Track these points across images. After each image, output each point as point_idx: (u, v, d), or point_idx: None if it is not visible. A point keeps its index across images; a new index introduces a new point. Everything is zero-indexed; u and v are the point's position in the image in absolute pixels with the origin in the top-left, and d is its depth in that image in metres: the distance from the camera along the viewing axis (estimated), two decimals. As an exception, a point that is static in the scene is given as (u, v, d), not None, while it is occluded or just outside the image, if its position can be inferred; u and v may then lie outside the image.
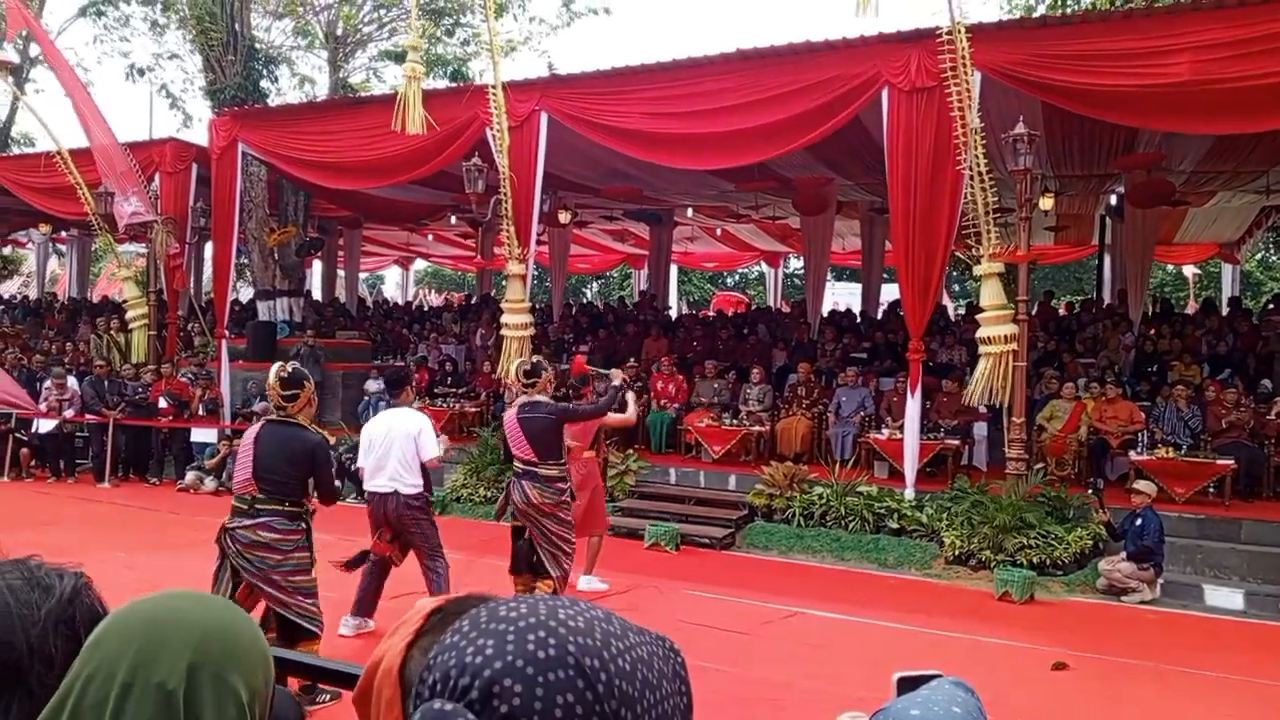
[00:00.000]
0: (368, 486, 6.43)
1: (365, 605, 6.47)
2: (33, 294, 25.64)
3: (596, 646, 0.72)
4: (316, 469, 5.12)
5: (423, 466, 6.36)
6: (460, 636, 0.74)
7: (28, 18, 15.57)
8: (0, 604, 0.99)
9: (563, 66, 21.39)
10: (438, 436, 6.59)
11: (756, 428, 11.82)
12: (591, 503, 7.62)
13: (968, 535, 8.97)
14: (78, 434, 13.49)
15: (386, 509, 6.31)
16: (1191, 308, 22.81)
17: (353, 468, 7.12)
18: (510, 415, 6.76)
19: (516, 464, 6.65)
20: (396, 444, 6.31)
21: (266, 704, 0.93)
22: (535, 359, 7.15)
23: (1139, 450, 9.87)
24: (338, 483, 5.54)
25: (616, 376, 7.42)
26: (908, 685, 1.18)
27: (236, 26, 16.26)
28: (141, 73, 21.15)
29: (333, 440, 5.56)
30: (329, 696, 5.00)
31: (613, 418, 7.96)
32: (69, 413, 13.09)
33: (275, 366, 5.24)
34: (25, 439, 13.17)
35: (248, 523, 5.00)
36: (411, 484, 6.29)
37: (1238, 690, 6.12)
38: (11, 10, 15.26)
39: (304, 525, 5.12)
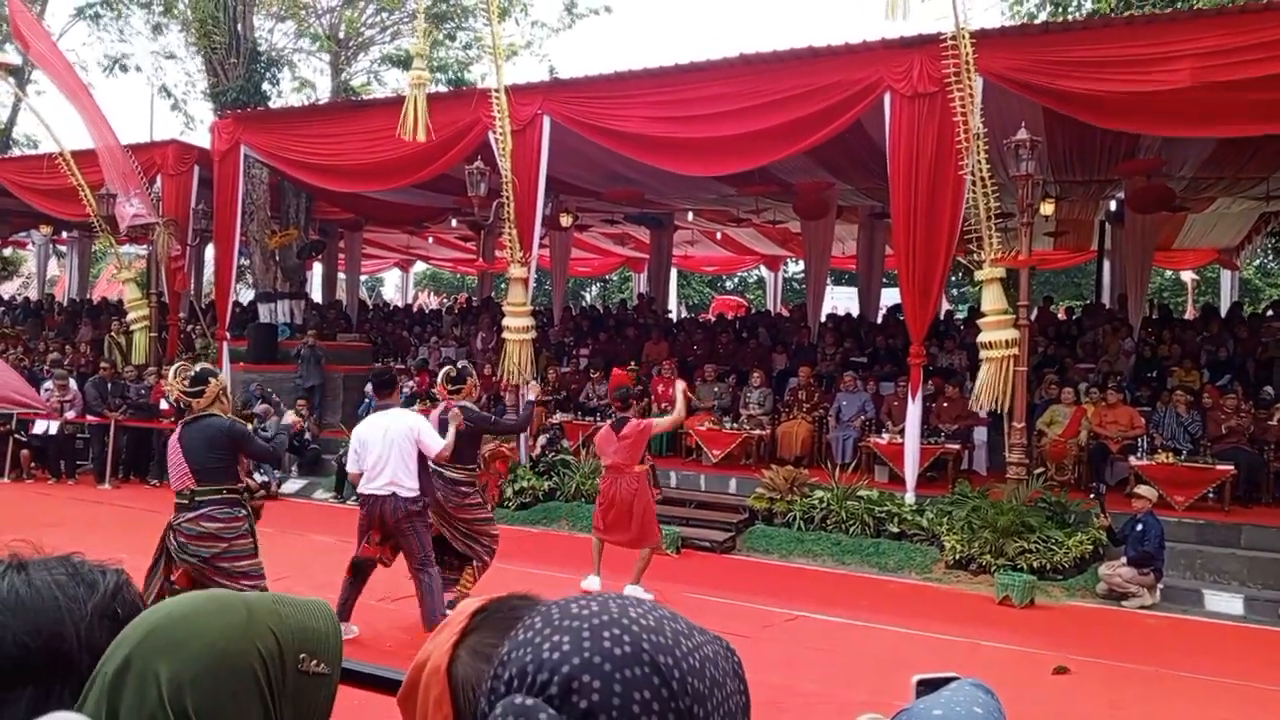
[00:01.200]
0: (362, 489, 6.41)
1: (345, 611, 6.40)
2: (33, 295, 25.64)
3: (668, 644, 0.74)
4: (239, 445, 5.42)
5: (421, 469, 6.37)
6: (534, 633, 0.75)
7: (30, 20, 15.60)
8: (50, 598, 1.02)
9: (565, 69, 21.44)
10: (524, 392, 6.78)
11: (757, 431, 11.84)
12: (645, 516, 7.63)
13: (968, 540, 8.99)
14: (79, 435, 13.50)
15: (383, 511, 6.30)
16: (1190, 313, 22.87)
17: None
18: (433, 415, 7.02)
19: (429, 464, 6.75)
20: (396, 445, 6.27)
21: (206, 694, 0.89)
22: (462, 365, 7.44)
23: (1139, 455, 9.90)
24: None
25: (533, 390, 8.36)
26: (926, 688, 1.20)
27: (239, 29, 16.29)
28: (125, 68, 21.11)
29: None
30: None
31: (661, 424, 8.18)
32: (70, 414, 13.09)
33: (176, 366, 5.60)
34: (25, 440, 13.17)
35: (190, 515, 5.23)
36: (410, 487, 6.29)
37: (1237, 695, 6.13)
38: (15, 12, 15.28)
39: (244, 512, 5.37)
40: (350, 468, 6.54)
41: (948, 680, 1.20)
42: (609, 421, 7.91)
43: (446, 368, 7.32)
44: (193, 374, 5.45)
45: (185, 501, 5.29)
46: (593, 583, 7.81)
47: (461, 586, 6.80)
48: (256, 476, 10.21)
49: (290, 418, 12.21)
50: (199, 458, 5.29)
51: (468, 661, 0.91)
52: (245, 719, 0.90)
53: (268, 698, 0.91)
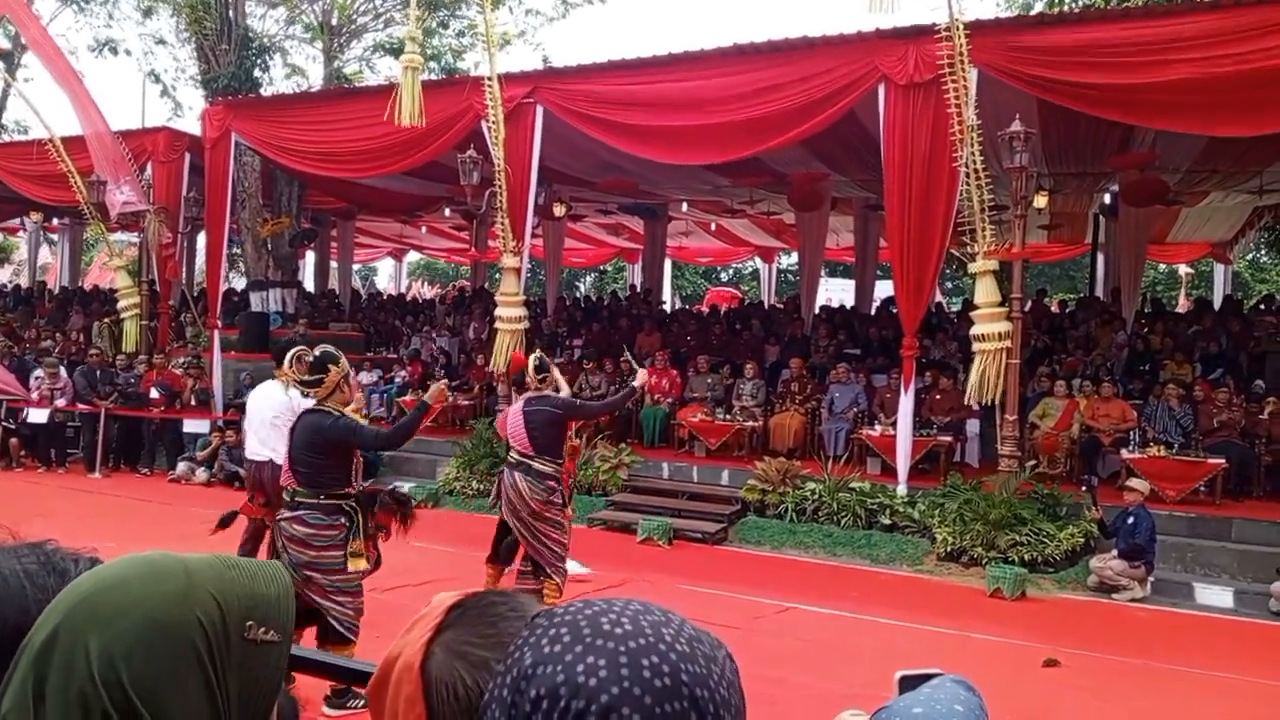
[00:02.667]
0: (246, 455, 6.84)
1: None
2: (24, 282, 25.51)
3: (704, 675, 0.71)
4: (346, 440, 4.87)
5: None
6: (563, 648, 0.71)
7: (20, 3, 15.49)
8: (16, 587, 0.99)
9: (558, 58, 21.30)
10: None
11: (749, 423, 11.83)
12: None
13: (960, 532, 8.99)
14: (69, 424, 13.44)
15: (263, 476, 6.55)
16: (1183, 306, 22.91)
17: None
18: (516, 406, 6.76)
19: (511, 455, 6.62)
20: (269, 414, 6.52)
21: (140, 667, 0.84)
22: (540, 355, 7.05)
23: (1131, 449, 9.90)
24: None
25: (640, 378, 7.27)
26: (910, 684, 1.18)
27: (230, 15, 16.17)
28: (115, 51, 20.99)
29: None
30: (362, 702, 4.91)
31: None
32: (61, 402, 13.03)
33: (294, 352, 5.16)
34: (14, 428, 13.10)
35: (288, 515, 4.89)
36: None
37: (1227, 687, 6.15)
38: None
39: (344, 520, 4.91)
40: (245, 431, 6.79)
41: (930, 676, 1.18)
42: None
43: (533, 356, 6.95)
44: (312, 359, 4.95)
45: (287, 499, 4.94)
46: (572, 566, 7.79)
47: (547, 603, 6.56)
48: (402, 485, 9.19)
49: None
50: (299, 458, 4.89)
51: (442, 659, 0.87)
52: (184, 691, 0.84)
53: (210, 668, 0.86)
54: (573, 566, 7.82)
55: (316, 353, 5.00)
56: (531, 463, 6.47)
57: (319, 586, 4.82)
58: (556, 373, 6.87)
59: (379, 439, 5.20)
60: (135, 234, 15.73)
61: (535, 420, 6.50)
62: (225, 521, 6.09)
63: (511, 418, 6.71)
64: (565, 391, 7.09)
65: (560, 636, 0.72)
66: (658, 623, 0.73)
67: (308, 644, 4.90)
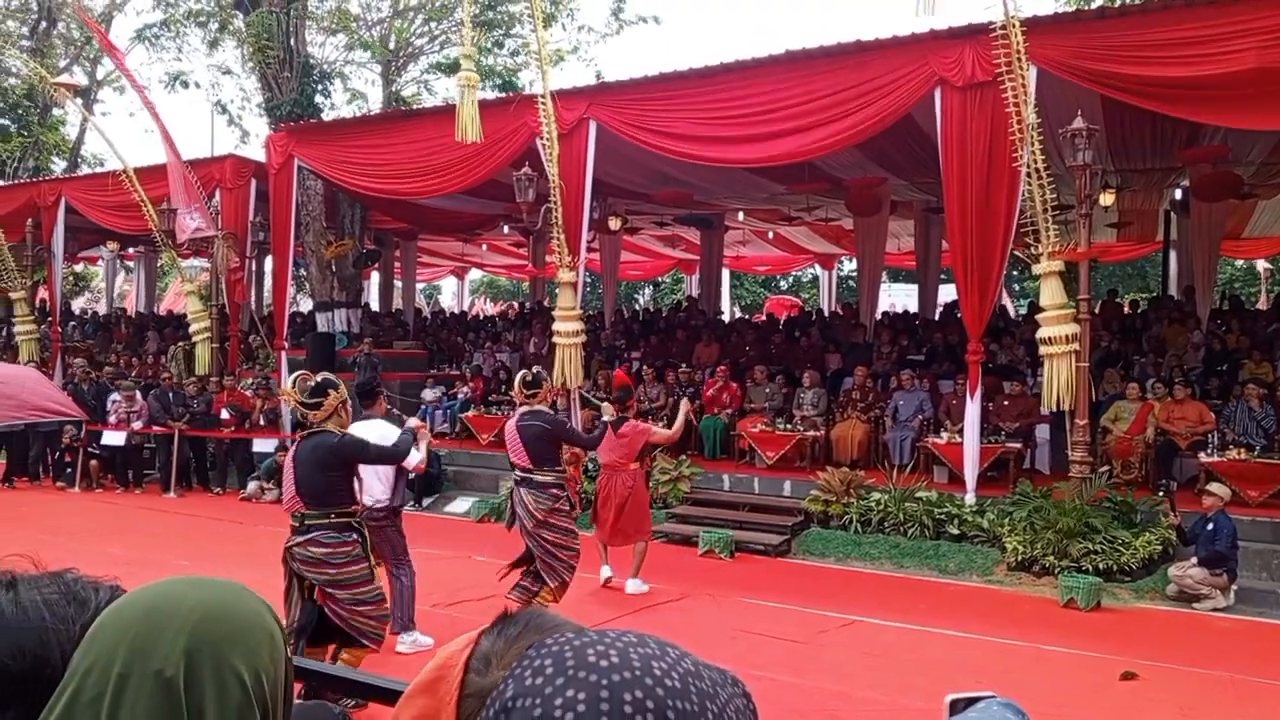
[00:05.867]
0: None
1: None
2: (101, 309, 26.43)
3: (693, 712, 0.67)
4: (356, 459, 5.11)
5: (397, 478, 6.34)
6: (544, 680, 0.68)
7: (103, 36, 16.21)
8: (36, 618, 1.00)
9: (611, 75, 21.44)
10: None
11: (811, 433, 11.68)
12: (639, 511, 7.88)
13: (1031, 541, 8.76)
14: (145, 445, 13.85)
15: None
16: (1264, 303, 22.09)
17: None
18: (510, 423, 7.00)
19: (515, 472, 6.84)
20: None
21: (279, 682, 0.91)
22: (536, 369, 7.36)
23: (1209, 452, 9.56)
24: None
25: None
26: (960, 707, 1.14)
27: (292, 43, 16.60)
28: (185, 84, 21.71)
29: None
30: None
31: (658, 434, 8.26)
32: (137, 424, 13.44)
33: (295, 375, 5.35)
34: (96, 452, 13.55)
35: (301, 539, 5.01)
36: (377, 497, 6.24)
37: (1319, 702, 5.87)
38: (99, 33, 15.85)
39: (355, 535, 5.07)
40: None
41: (981, 699, 1.14)
42: (609, 421, 7.88)
43: (522, 372, 7.32)
44: (312, 384, 5.15)
45: (296, 524, 5.06)
46: (605, 572, 8.01)
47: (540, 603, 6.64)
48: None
49: (413, 422, 12.39)
50: (307, 481, 5.03)
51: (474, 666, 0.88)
52: (289, 691, 0.94)
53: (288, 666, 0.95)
54: (636, 586, 7.83)
55: (318, 378, 5.22)
56: (533, 475, 6.72)
57: (342, 603, 4.97)
58: (548, 387, 7.17)
59: (382, 454, 5.42)
60: (205, 259, 16.19)
61: (528, 434, 6.76)
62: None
63: (509, 434, 6.95)
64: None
65: (543, 668, 0.69)
66: (649, 655, 0.69)
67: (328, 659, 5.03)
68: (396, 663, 5.80)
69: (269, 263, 16.67)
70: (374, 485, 6.23)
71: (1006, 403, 11.25)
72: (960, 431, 10.26)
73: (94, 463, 13.52)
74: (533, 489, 6.68)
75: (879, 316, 17.12)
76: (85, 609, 1.02)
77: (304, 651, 4.94)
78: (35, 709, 0.94)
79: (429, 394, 15.08)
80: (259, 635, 0.89)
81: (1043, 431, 11.31)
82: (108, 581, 1.09)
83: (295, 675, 1.03)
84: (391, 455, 5.48)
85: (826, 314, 20.47)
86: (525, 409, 6.92)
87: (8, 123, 24.12)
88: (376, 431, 6.18)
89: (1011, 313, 19.41)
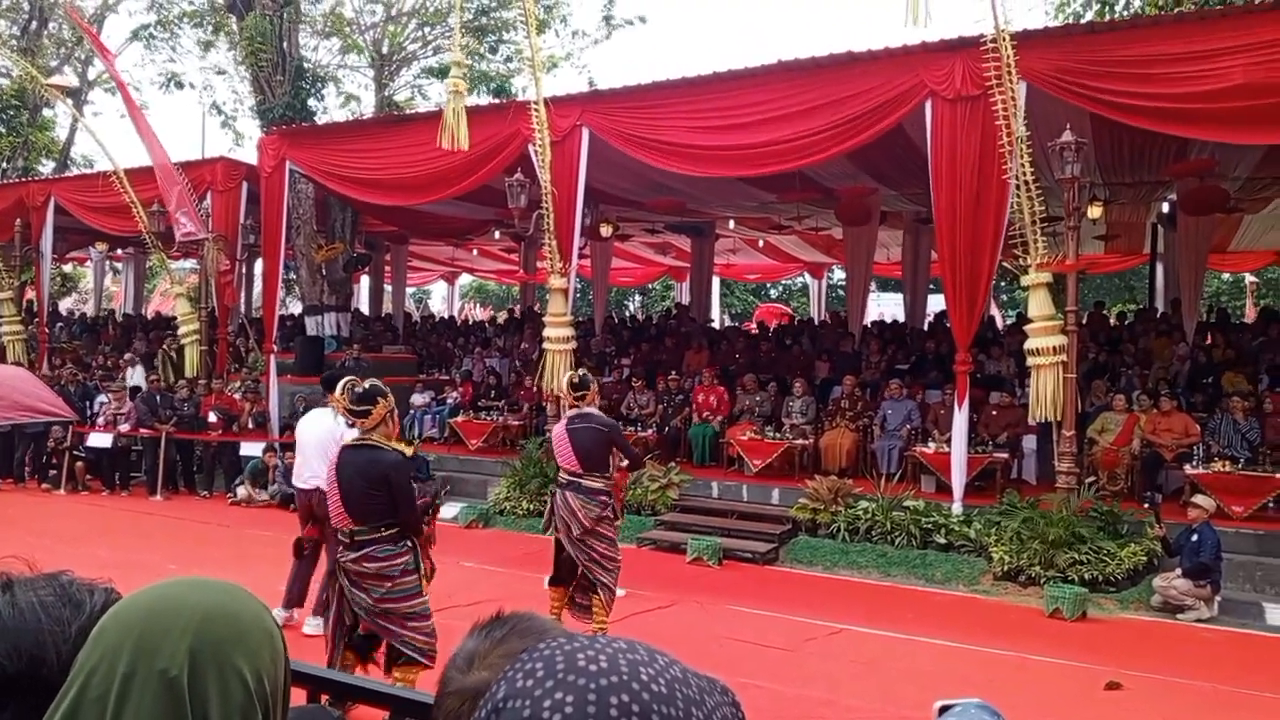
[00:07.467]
0: (295, 483, 7.02)
1: (298, 596, 6.78)
2: (90, 310, 26.30)
3: (680, 717, 0.68)
4: (393, 491, 4.82)
5: None
6: (534, 683, 0.69)
7: (95, 37, 16.17)
8: (32, 620, 1.01)
9: (603, 79, 21.53)
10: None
11: (799, 441, 11.72)
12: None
13: (1017, 551, 8.80)
14: (133, 448, 13.78)
15: (311, 503, 6.60)
16: (1250, 316, 22.25)
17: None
18: (560, 427, 6.76)
19: (561, 475, 6.63)
20: (316, 443, 6.61)
21: (279, 683, 0.92)
22: (582, 372, 7.01)
23: (1195, 464, 9.62)
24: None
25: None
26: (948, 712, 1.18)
27: (285, 46, 16.57)
28: (180, 85, 21.66)
29: (409, 452, 5.31)
30: None
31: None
32: (124, 426, 13.37)
33: (345, 381, 5.04)
34: (82, 454, 13.48)
35: (353, 556, 4.83)
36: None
37: (1301, 713, 5.92)
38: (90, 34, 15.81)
39: (408, 545, 4.91)
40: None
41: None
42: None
43: (569, 374, 7.06)
44: (360, 391, 4.91)
45: (346, 540, 4.89)
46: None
47: (596, 621, 6.42)
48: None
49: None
50: (356, 499, 4.81)
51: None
52: (288, 689, 0.97)
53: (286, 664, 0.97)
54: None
55: (367, 385, 5.00)
56: (582, 480, 6.46)
57: (397, 617, 4.80)
58: (595, 389, 6.79)
59: (411, 499, 5.01)
60: (195, 261, 16.14)
61: (581, 439, 6.50)
62: (300, 549, 6.49)
63: (557, 438, 6.72)
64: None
65: (534, 671, 0.70)
66: (637, 661, 0.71)
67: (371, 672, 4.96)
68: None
69: (258, 266, 16.62)
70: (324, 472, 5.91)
71: (994, 413, 11.31)
72: (948, 441, 10.31)
73: (80, 465, 13.44)
74: (582, 494, 6.39)
75: (867, 325, 17.18)
76: (80, 611, 1.04)
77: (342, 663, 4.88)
78: (31, 710, 0.95)
79: (418, 399, 15.06)
80: (260, 636, 0.90)
81: (1029, 442, 11.36)
82: (102, 584, 1.10)
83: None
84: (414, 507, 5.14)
85: (816, 322, 20.52)
86: (574, 412, 6.64)
87: (-3, 123, 24.02)
88: (330, 421, 6.14)
89: (999, 322, 19.47)
